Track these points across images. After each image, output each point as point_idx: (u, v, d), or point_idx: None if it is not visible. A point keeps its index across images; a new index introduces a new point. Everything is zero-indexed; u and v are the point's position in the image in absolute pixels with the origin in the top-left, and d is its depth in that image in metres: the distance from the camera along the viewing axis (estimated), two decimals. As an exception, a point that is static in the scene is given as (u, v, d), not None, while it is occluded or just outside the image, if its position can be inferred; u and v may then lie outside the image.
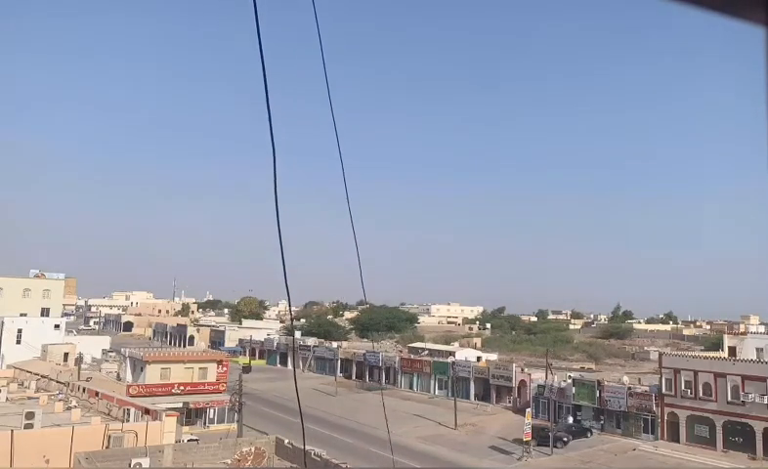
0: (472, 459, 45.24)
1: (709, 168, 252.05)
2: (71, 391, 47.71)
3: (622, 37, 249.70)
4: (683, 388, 50.81)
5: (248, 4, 3.15)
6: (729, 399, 48.06)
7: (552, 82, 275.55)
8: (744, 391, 47.37)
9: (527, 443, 45.47)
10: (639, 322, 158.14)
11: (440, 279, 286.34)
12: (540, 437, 47.48)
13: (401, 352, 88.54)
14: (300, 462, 34.02)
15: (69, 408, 39.61)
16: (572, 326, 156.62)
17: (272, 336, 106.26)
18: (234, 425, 47.52)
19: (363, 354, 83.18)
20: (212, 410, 53.66)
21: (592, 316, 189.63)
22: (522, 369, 65.49)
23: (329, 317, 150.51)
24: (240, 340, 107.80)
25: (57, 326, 72.56)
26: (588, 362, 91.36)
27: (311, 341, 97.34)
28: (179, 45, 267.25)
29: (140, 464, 30.95)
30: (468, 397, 66.51)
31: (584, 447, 49.62)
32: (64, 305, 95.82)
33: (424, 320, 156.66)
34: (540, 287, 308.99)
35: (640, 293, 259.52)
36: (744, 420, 47.21)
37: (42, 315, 75.70)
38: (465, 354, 78.91)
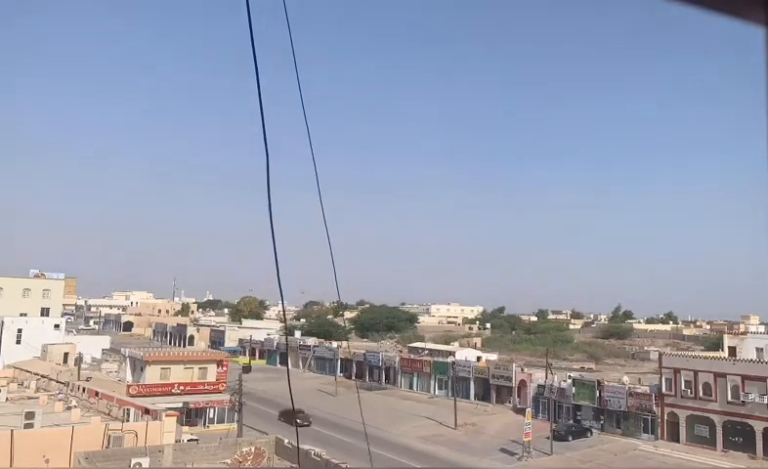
0: (472, 459, 45.24)
1: (710, 168, 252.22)
2: (71, 391, 47.70)
3: (620, 36, 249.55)
4: (683, 388, 50.82)
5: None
6: (729, 399, 48.06)
7: (552, 79, 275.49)
8: (744, 391, 47.37)
9: (527, 443, 45.50)
10: (639, 322, 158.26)
11: (440, 279, 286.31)
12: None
13: (401, 352, 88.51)
14: (300, 462, 34.03)
15: (69, 408, 39.60)
16: (572, 326, 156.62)
17: (272, 336, 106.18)
18: (234, 425, 47.55)
19: (364, 354, 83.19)
20: (212, 410, 53.63)
21: (592, 316, 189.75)
22: (522, 369, 65.45)
23: (329, 317, 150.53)
24: (240, 340, 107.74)
25: (57, 326, 72.55)
26: (588, 362, 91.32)
27: (311, 341, 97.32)
28: (176, 43, 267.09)
29: (140, 464, 30.97)
30: (468, 397, 66.50)
31: (584, 446, 49.65)
32: (63, 305, 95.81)
33: (424, 320, 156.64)
34: (540, 287, 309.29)
35: (640, 293, 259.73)
36: (744, 420, 47.21)
37: (42, 315, 75.69)
38: (465, 354, 78.87)
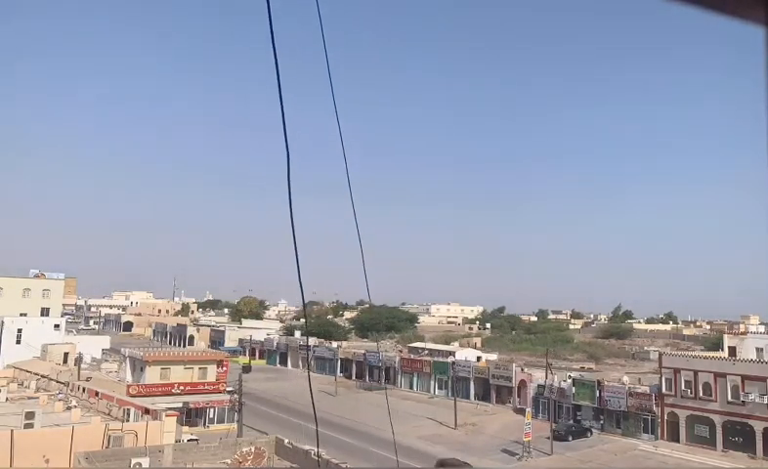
0: (472, 459, 45.19)
1: (710, 168, 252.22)
2: (71, 391, 47.70)
3: (619, 36, 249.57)
4: (683, 388, 50.83)
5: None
6: (729, 399, 48.08)
7: (551, 80, 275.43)
8: (744, 391, 47.39)
9: (526, 443, 45.54)
10: (639, 322, 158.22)
11: (440, 279, 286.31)
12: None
13: (401, 352, 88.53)
14: (300, 462, 34.05)
15: (69, 408, 39.61)
16: (572, 326, 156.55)
17: (272, 336, 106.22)
18: (234, 425, 47.54)
19: (364, 354, 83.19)
20: (212, 410, 53.64)
21: (592, 315, 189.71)
22: (522, 369, 65.47)
23: (329, 317, 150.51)
24: (240, 340, 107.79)
25: (57, 326, 72.54)
26: (588, 362, 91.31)
27: (311, 341, 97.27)
28: (177, 43, 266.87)
29: (140, 464, 30.99)
30: (468, 397, 66.52)
31: (584, 446, 49.66)
32: (63, 305, 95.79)
33: (424, 320, 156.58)
34: (540, 287, 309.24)
35: (640, 293, 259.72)
36: (744, 420, 47.23)
37: (42, 315, 75.68)
38: (465, 354, 78.87)
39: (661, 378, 53.14)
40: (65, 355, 62.95)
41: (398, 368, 77.46)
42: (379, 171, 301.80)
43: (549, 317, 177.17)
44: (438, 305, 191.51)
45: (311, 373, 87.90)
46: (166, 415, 37.93)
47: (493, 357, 79.67)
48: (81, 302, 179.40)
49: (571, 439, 50.91)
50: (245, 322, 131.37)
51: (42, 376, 54.11)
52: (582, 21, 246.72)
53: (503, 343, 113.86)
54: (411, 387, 74.71)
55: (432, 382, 72.73)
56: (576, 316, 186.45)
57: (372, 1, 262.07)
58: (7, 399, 44.44)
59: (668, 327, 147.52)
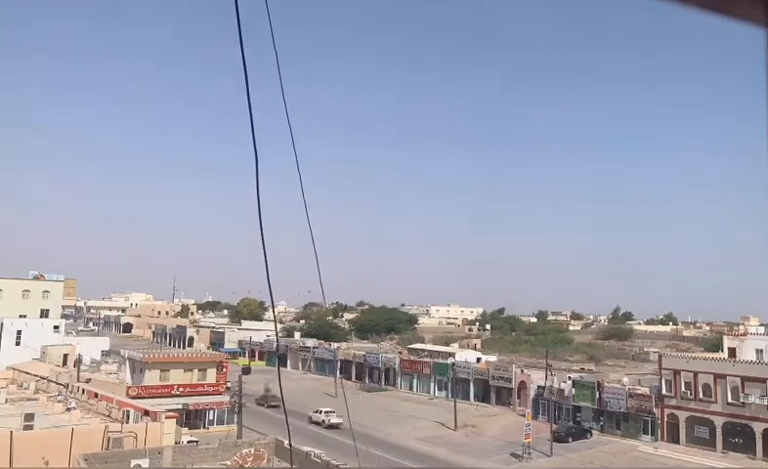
0: (472, 461, 45.23)
1: (710, 168, 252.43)
2: (71, 392, 47.65)
3: (619, 35, 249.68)
4: (683, 389, 50.83)
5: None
6: (729, 400, 48.08)
7: (551, 77, 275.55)
8: (743, 392, 47.39)
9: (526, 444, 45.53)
10: (639, 324, 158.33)
11: (439, 280, 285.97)
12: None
13: (400, 353, 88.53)
14: (300, 463, 34.04)
15: (69, 410, 39.61)
16: (571, 328, 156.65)
17: (271, 337, 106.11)
18: (234, 426, 47.52)
19: (364, 355, 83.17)
20: (212, 412, 53.61)
21: (592, 317, 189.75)
22: (522, 370, 65.48)
23: (329, 318, 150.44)
24: (240, 341, 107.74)
25: (56, 328, 72.55)
26: (588, 364, 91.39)
27: (310, 342, 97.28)
28: (178, 45, 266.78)
29: (139, 465, 31.00)
30: (468, 398, 66.51)
31: (584, 448, 49.65)
32: (63, 306, 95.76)
33: (424, 322, 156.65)
34: (540, 288, 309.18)
35: (640, 294, 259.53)
36: (743, 421, 47.24)
37: (41, 316, 75.68)
38: (465, 355, 78.90)
39: (660, 379, 53.15)
40: (65, 356, 62.91)
41: (398, 370, 77.46)
42: (380, 172, 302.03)
43: (549, 318, 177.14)
44: (437, 306, 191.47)
45: (311, 374, 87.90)
46: (166, 417, 37.92)
47: (493, 358, 79.65)
48: (81, 303, 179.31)
49: (571, 440, 50.89)
50: (245, 324, 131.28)
51: (41, 378, 54.07)
52: (580, 22, 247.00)
53: (503, 344, 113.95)
54: (411, 388, 74.71)
55: (432, 383, 72.73)
56: (575, 317, 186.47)
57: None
58: (6, 400, 44.37)
59: (668, 329, 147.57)
